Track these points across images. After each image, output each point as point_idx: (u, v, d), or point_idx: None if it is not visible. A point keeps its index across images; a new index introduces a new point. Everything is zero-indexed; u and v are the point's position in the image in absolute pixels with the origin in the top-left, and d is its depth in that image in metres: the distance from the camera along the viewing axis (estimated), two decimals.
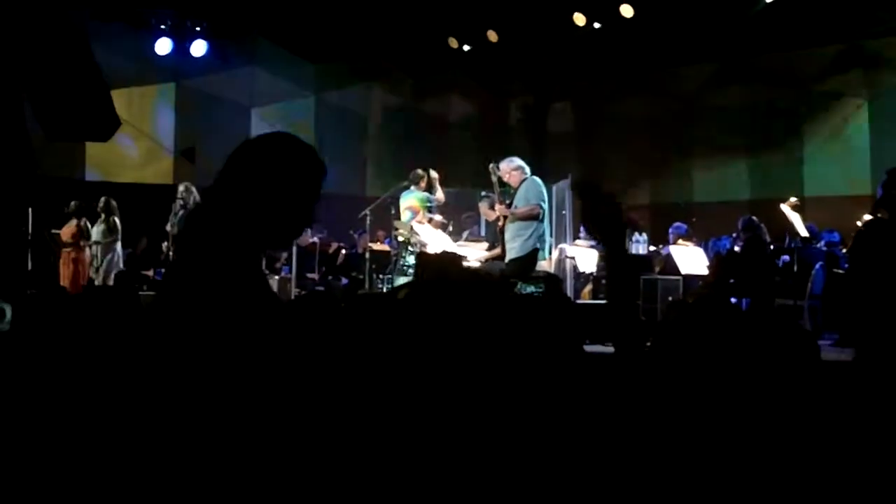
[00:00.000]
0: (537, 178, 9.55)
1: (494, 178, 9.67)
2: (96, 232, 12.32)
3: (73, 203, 12.50)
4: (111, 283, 12.14)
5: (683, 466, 2.30)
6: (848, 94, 15.51)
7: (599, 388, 2.90)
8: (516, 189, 9.42)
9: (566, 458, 1.97)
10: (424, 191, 11.64)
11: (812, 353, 2.59)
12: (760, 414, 2.50)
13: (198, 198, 12.12)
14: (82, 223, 12.35)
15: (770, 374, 2.59)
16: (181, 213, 12.03)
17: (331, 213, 15.67)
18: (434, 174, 11.88)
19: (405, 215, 11.47)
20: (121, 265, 12.64)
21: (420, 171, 11.81)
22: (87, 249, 12.46)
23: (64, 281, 12.13)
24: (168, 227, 12.14)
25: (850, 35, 14.82)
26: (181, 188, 12.21)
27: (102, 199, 12.41)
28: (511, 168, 9.49)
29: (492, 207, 10.02)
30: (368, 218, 12.39)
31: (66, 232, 12.36)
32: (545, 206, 9.37)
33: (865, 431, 2.53)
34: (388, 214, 12.21)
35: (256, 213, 2.19)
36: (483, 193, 10.78)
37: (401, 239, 11.33)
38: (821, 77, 15.66)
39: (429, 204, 11.54)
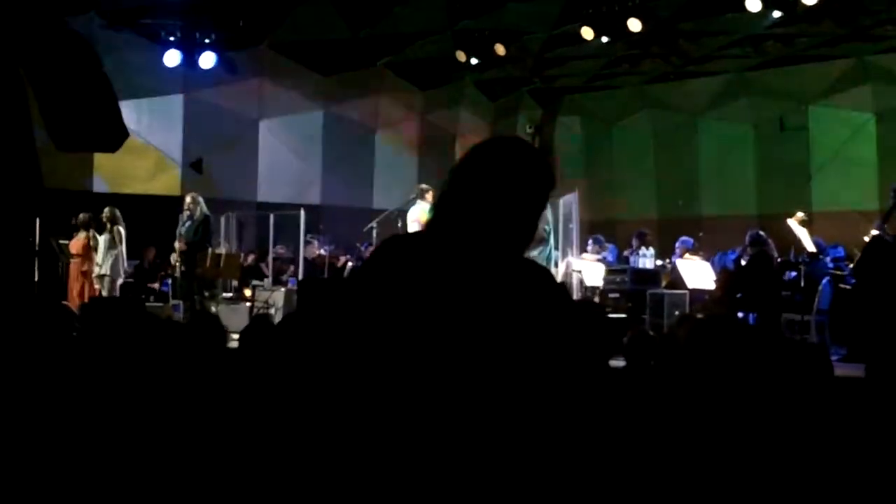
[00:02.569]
0: None
1: None
2: (101, 242, 12.33)
3: (81, 215, 12.52)
4: (116, 293, 12.14)
5: (690, 478, 2.29)
6: (856, 109, 15.50)
7: (608, 400, 2.88)
8: None
9: (573, 471, 1.96)
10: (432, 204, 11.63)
11: (824, 369, 2.59)
12: (769, 429, 2.49)
13: (205, 209, 12.14)
14: (91, 235, 12.36)
15: (781, 389, 2.58)
16: (188, 223, 12.05)
17: (338, 225, 15.70)
18: None
19: (412, 227, 11.47)
20: (126, 275, 12.64)
21: (426, 186, 11.84)
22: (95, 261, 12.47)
23: (73, 293, 12.15)
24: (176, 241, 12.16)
25: (858, 50, 14.83)
26: (188, 199, 12.23)
27: (107, 209, 12.41)
28: None
29: None
30: (375, 231, 12.41)
31: (76, 245, 12.37)
32: (549, 227, 9.31)
33: (877, 445, 2.52)
34: (395, 227, 12.21)
35: (494, 223, 2.04)
36: None
37: None
38: (829, 92, 15.66)
39: None
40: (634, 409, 2.79)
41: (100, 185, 14.87)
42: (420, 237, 2.14)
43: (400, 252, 2.09)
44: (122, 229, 12.29)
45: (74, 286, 12.27)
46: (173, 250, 12.35)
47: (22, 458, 3.13)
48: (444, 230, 2.05)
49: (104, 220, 12.33)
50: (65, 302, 11.21)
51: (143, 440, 3.10)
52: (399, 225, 12.03)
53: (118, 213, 12.38)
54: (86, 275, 12.26)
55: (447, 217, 2.07)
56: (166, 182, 15.54)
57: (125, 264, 12.55)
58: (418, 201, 11.65)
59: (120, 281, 12.39)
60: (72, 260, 12.39)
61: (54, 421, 3.27)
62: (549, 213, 9.39)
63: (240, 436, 2.93)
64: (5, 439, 3.21)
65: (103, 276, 12.15)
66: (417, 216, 11.51)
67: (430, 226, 2.11)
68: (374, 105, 17.27)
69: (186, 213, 12.09)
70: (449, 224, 2.05)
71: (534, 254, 9.14)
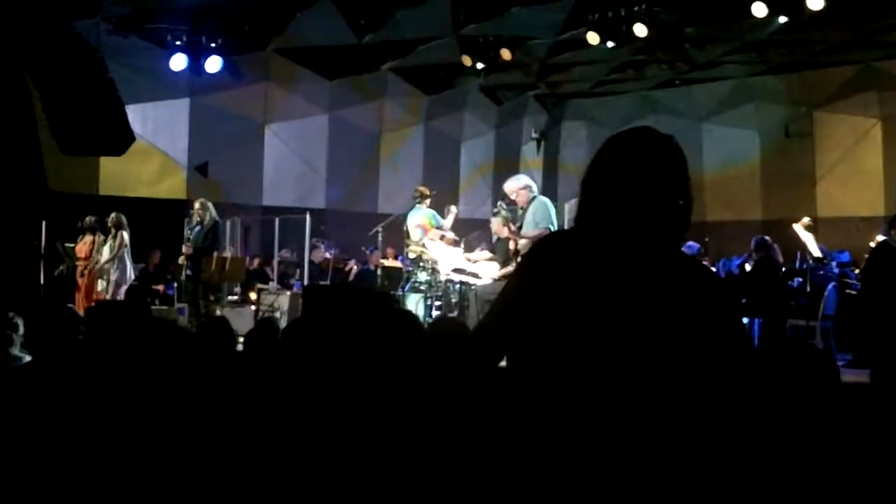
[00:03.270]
0: (545, 199, 9.49)
1: (504, 214, 9.64)
2: (106, 247, 12.37)
3: (87, 218, 12.55)
4: (120, 297, 12.16)
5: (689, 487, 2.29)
6: (861, 115, 15.49)
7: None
8: (524, 209, 9.36)
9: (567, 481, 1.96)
10: (431, 208, 11.64)
11: (831, 375, 2.58)
12: (778, 436, 2.49)
13: (214, 214, 12.14)
14: (97, 238, 12.40)
15: (787, 396, 2.58)
16: (197, 228, 12.06)
17: (343, 229, 15.72)
18: (453, 210, 11.78)
19: (415, 233, 11.45)
20: (130, 279, 12.66)
21: (423, 188, 11.81)
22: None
23: (79, 297, 12.20)
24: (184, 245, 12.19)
25: (863, 56, 14.81)
26: (197, 205, 12.20)
27: (113, 214, 12.44)
28: (518, 187, 9.42)
29: (505, 224, 10.01)
30: (380, 235, 12.40)
31: (83, 248, 12.40)
32: (553, 227, 9.32)
33: (884, 451, 2.52)
34: (399, 231, 12.21)
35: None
36: (495, 210, 10.79)
37: (412, 256, 11.32)
38: (834, 98, 15.65)
39: (436, 222, 11.52)
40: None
41: (106, 189, 14.88)
42: (578, 234, 2.14)
43: (563, 249, 2.10)
44: (125, 234, 12.31)
45: (83, 288, 12.32)
46: (180, 254, 12.36)
47: (26, 461, 3.14)
48: (601, 225, 2.07)
49: (110, 225, 12.36)
50: (70, 305, 11.24)
51: (148, 443, 3.11)
52: (404, 229, 12.03)
53: (124, 218, 12.41)
54: (92, 278, 12.30)
55: (602, 213, 2.09)
56: (172, 186, 15.56)
57: (131, 269, 12.59)
58: (417, 205, 11.64)
59: (125, 287, 12.42)
60: (77, 263, 12.42)
61: (59, 423, 3.28)
62: (553, 214, 9.37)
63: (250, 438, 2.93)
64: (10, 443, 3.22)
65: (108, 281, 12.18)
66: (419, 221, 11.48)
67: (583, 221, 2.13)
68: (379, 109, 17.29)
69: (196, 218, 12.08)
70: (606, 219, 2.07)
71: None
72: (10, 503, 3.06)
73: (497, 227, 10.48)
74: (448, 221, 11.63)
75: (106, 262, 12.25)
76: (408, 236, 11.53)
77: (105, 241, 12.40)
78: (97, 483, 3.05)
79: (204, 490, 2.93)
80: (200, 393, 3.42)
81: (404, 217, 11.76)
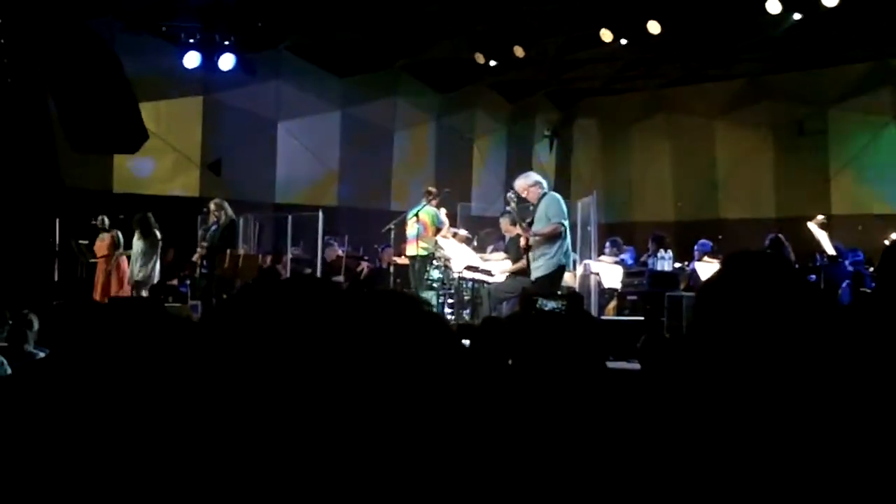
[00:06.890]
0: (556, 194, 9.53)
1: (513, 205, 9.68)
2: (138, 246, 12.43)
3: (101, 218, 12.62)
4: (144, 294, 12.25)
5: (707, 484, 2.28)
6: (876, 112, 15.41)
7: (622, 404, 2.87)
8: (535, 206, 9.39)
9: (586, 477, 1.95)
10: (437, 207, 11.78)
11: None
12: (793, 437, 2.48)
13: (230, 213, 12.19)
14: (115, 234, 12.54)
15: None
16: (213, 227, 12.10)
17: (355, 226, 15.72)
18: (445, 219, 12.08)
19: (412, 229, 11.54)
20: (156, 278, 12.78)
21: (431, 188, 11.97)
22: (126, 261, 12.60)
23: (97, 293, 12.28)
24: (200, 242, 12.26)
25: (877, 53, 14.74)
26: (212, 206, 12.23)
27: (149, 214, 12.52)
28: (529, 184, 9.45)
29: (513, 224, 10.02)
30: (393, 232, 12.42)
31: (102, 246, 12.50)
32: (566, 222, 9.34)
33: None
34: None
35: None
36: (506, 209, 10.80)
37: (423, 253, 11.35)
38: (848, 95, 15.58)
39: (437, 224, 11.60)
40: (648, 413, 2.78)
41: (119, 186, 14.92)
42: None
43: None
44: (158, 234, 12.48)
45: (98, 287, 12.41)
46: (195, 253, 12.42)
47: (33, 459, 3.15)
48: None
49: (148, 225, 12.43)
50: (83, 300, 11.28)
51: (161, 442, 3.11)
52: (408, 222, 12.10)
53: (151, 217, 12.57)
54: (117, 274, 12.43)
55: None
56: (185, 183, 15.59)
57: (158, 268, 12.75)
58: (424, 202, 11.74)
59: (149, 285, 12.55)
60: (94, 261, 12.52)
61: (70, 420, 3.28)
62: (564, 209, 9.38)
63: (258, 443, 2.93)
64: (19, 440, 3.23)
65: (139, 281, 12.27)
66: (420, 217, 11.54)
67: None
68: (392, 107, 17.29)
69: (212, 218, 12.12)
70: None
71: (552, 250, 9.13)
72: (16, 501, 3.07)
73: (506, 226, 10.50)
74: (445, 224, 11.84)
75: (141, 264, 12.35)
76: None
77: (137, 243, 12.49)
78: (102, 482, 3.05)
79: (207, 490, 2.93)
80: (214, 391, 3.42)
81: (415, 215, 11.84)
